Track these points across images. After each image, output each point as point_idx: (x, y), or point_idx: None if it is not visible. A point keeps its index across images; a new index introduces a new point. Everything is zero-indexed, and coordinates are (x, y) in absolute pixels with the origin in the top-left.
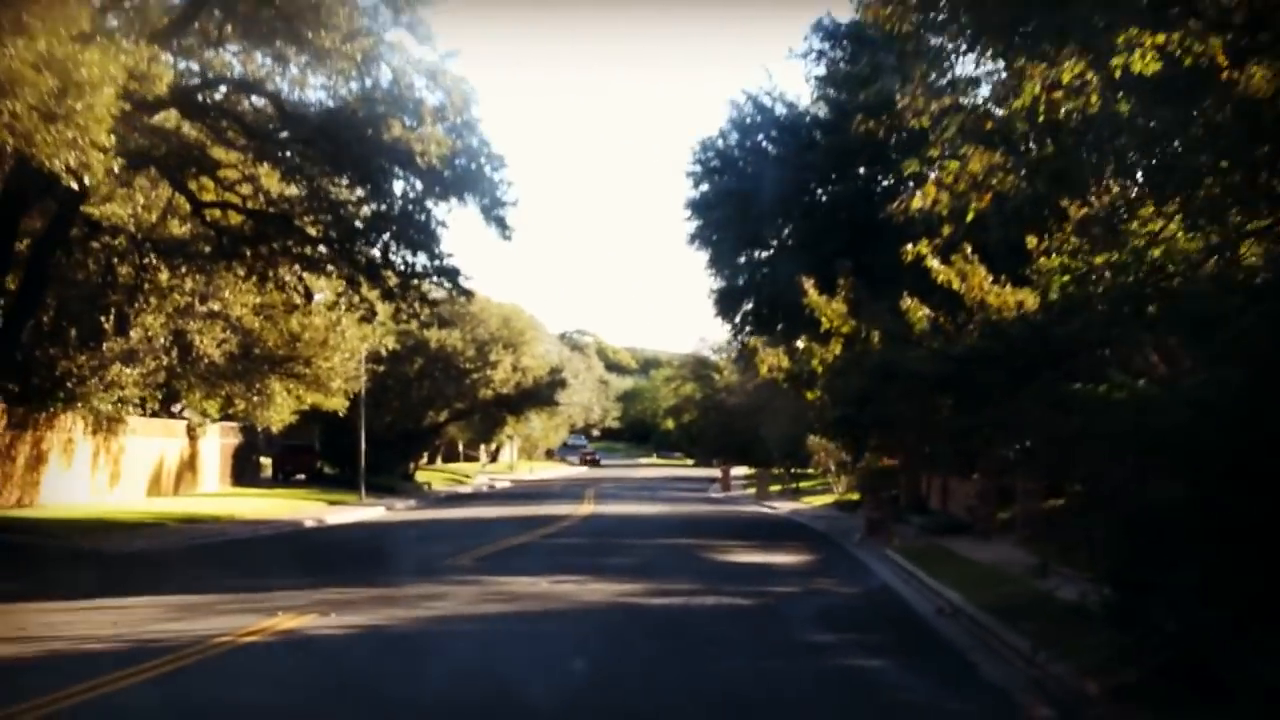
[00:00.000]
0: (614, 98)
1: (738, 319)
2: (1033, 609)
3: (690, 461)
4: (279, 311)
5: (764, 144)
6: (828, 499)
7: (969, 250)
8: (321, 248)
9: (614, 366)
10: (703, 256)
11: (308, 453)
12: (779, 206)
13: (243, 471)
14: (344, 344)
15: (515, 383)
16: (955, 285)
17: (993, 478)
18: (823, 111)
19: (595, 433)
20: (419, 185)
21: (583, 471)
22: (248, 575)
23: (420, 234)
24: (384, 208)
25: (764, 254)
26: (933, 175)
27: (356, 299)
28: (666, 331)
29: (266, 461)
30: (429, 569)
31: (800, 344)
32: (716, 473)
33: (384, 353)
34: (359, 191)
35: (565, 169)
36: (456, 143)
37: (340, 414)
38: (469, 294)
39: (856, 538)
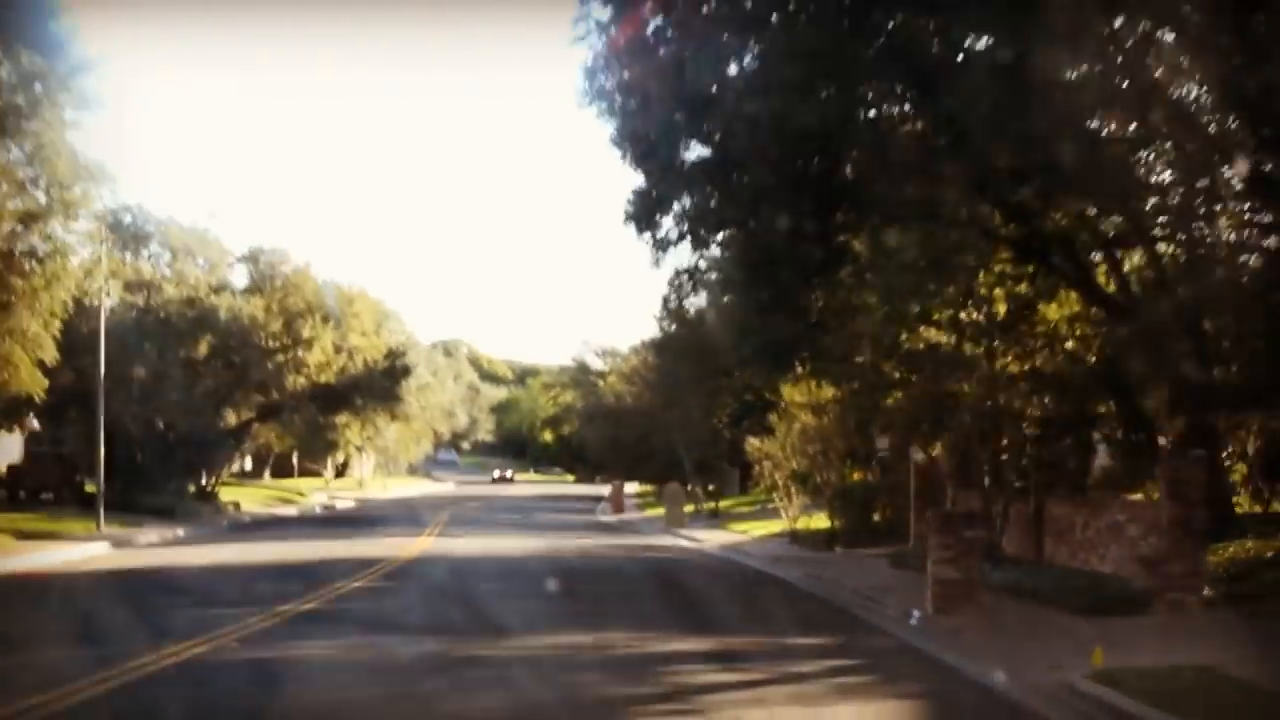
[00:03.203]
0: (476, 91)
1: (676, 210)
2: None
3: (571, 478)
4: None
5: None
6: (772, 527)
7: None
8: None
9: (489, 376)
10: (607, 137)
11: (59, 464)
12: None
13: None
14: None
15: (341, 368)
16: None
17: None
18: None
19: (465, 445)
20: None
21: (448, 489)
22: None
23: None
24: None
25: (742, 63)
26: None
27: None
28: (547, 344)
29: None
30: None
31: None
32: (603, 490)
33: (97, 303)
34: None
35: (442, 173)
36: None
37: (36, 399)
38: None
39: (915, 616)
